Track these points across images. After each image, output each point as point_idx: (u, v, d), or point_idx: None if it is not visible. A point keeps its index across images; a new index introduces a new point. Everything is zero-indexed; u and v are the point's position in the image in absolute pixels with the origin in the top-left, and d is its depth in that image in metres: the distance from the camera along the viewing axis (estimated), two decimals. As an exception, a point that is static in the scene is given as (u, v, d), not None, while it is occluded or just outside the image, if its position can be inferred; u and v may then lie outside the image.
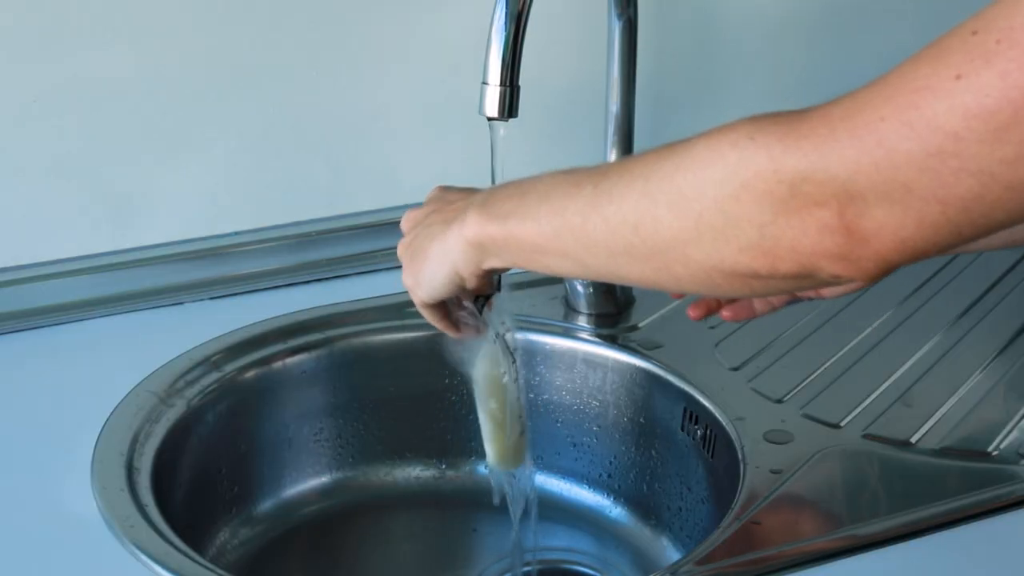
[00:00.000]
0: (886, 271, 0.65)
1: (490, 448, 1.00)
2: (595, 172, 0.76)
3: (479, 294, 0.90)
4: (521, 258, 0.81)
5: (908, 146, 0.60)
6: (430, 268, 0.87)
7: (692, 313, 0.99)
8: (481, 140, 0.97)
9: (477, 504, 1.16)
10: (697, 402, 1.11)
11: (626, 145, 1.24)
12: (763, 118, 0.67)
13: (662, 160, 0.71)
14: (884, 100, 0.62)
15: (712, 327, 1.20)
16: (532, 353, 1.20)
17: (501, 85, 0.92)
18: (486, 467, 1.02)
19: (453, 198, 0.87)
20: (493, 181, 0.94)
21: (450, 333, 0.95)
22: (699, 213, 0.68)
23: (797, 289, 0.81)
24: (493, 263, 0.83)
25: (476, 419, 1.00)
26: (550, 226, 0.77)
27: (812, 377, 1.14)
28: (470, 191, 0.87)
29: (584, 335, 1.21)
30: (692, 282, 0.72)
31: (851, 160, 0.62)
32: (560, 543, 1.20)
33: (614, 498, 1.20)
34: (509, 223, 0.80)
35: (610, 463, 1.19)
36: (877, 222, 0.63)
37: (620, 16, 1.18)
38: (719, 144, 0.68)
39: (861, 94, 0.63)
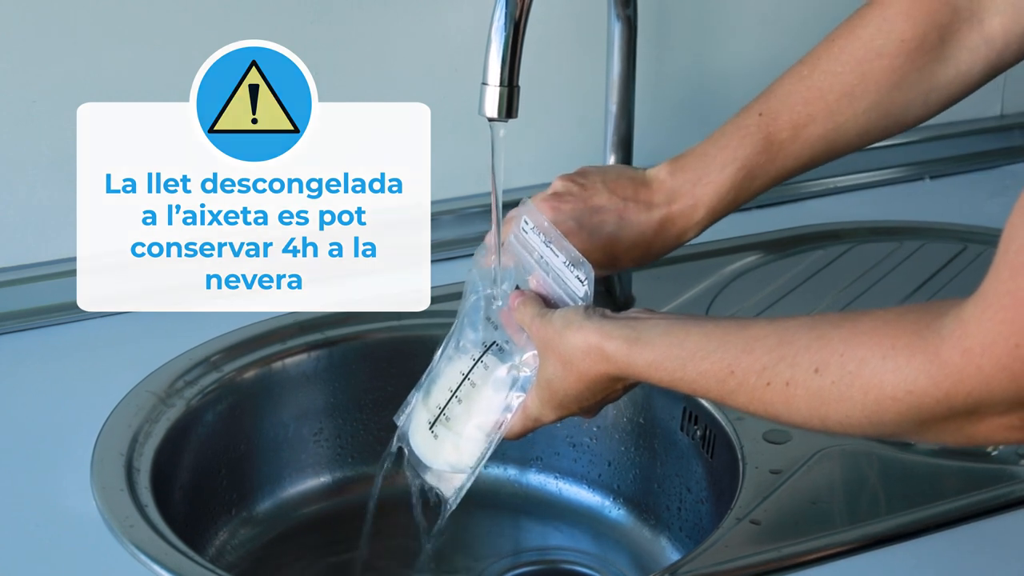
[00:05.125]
0: None
1: None
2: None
3: None
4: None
5: None
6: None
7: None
8: (481, 140, 0.96)
9: (477, 504, 1.16)
10: (696, 402, 1.10)
11: (626, 145, 1.23)
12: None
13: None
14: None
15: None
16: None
17: (501, 85, 0.92)
18: None
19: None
20: (493, 181, 0.93)
21: None
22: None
23: None
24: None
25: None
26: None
27: (812, 377, 1.13)
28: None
29: (584, 335, 1.20)
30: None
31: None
32: (560, 543, 1.19)
33: (614, 498, 1.20)
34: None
35: (609, 463, 1.19)
36: None
37: (620, 16, 1.18)
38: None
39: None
